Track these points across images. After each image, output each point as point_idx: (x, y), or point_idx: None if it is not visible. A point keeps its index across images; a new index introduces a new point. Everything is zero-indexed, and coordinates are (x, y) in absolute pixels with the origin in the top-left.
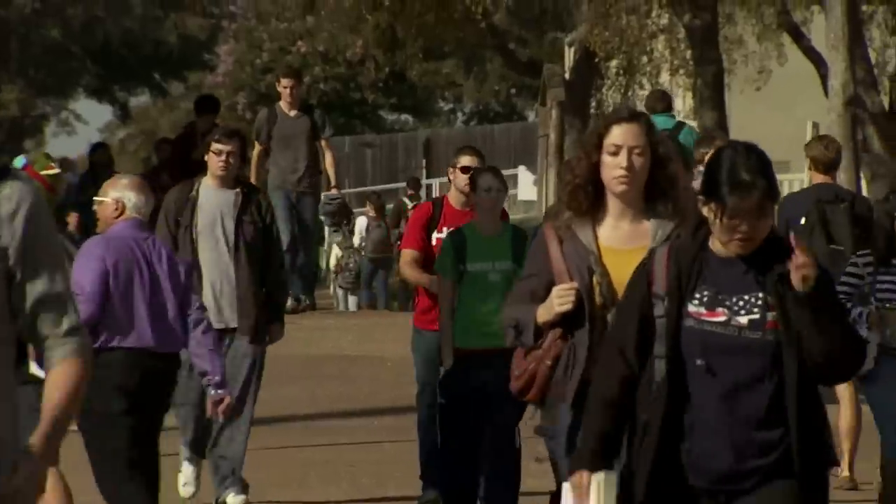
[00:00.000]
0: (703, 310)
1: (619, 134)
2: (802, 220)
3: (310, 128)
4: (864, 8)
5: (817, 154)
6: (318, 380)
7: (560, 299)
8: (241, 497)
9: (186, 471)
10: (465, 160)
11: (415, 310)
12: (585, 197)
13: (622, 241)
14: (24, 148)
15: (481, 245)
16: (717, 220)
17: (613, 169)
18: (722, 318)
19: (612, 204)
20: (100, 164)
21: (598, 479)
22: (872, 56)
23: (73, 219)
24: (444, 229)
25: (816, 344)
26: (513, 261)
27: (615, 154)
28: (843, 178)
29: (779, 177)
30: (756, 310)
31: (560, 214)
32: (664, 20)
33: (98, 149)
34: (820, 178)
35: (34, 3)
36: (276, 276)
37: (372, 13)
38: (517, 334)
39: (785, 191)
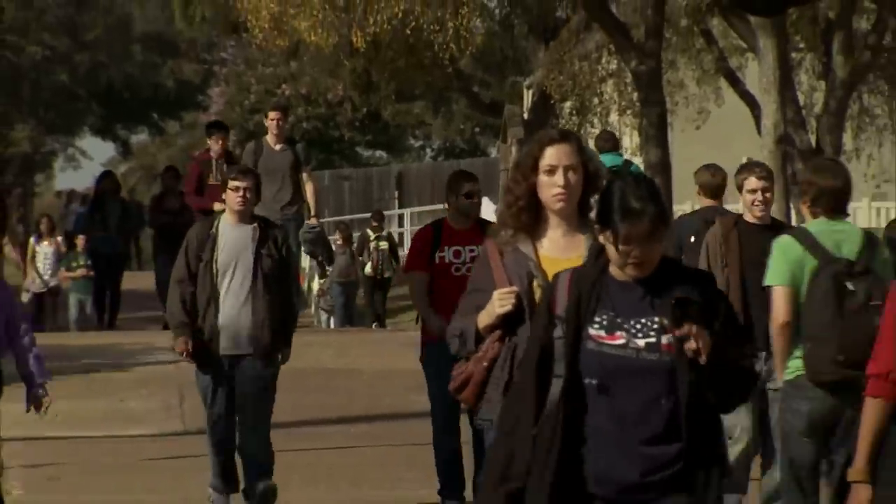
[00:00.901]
0: (602, 333)
1: (552, 154)
2: (692, 238)
3: (293, 160)
4: (793, 55)
5: (704, 180)
6: (302, 390)
7: (501, 301)
8: (268, 482)
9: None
10: (468, 187)
11: (422, 325)
12: (527, 216)
13: (559, 252)
14: (35, 181)
15: None
16: (612, 248)
17: (550, 188)
18: (620, 341)
19: (551, 219)
20: (108, 192)
21: None
22: (801, 98)
23: (80, 241)
24: (446, 248)
25: (713, 392)
26: None
27: (551, 173)
28: (774, 208)
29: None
30: (653, 333)
31: (502, 232)
32: (613, 66)
33: (105, 177)
34: (707, 202)
35: (44, 51)
36: (289, 305)
37: (349, 59)
38: (461, 343)
39: None
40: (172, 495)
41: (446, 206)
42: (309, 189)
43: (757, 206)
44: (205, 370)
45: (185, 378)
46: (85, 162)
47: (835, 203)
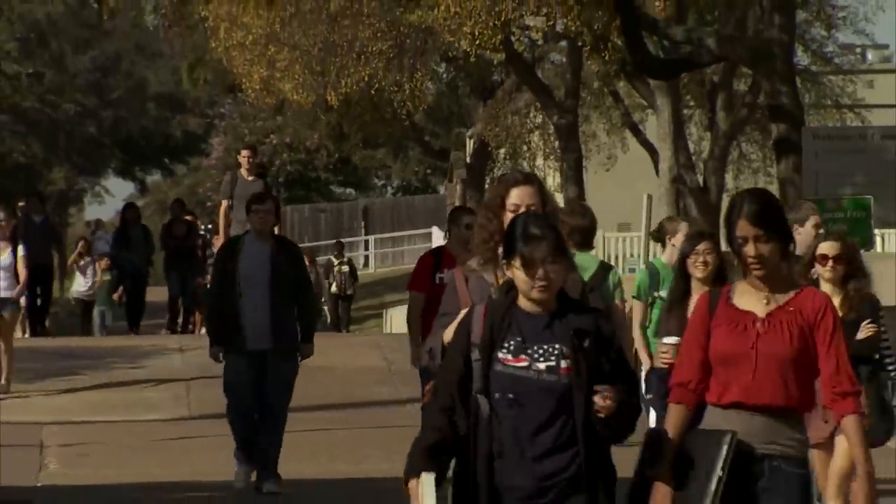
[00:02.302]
0: (509, 356)
1: (517, 195)
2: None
3: (262, 189)
4: (684, 111)
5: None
6: None
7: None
8: (275, 486)
9: (238, 471)
10: (468, 219)
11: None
12: (494, 248)
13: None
14: (69, 213)
15: None
16: (519, 273)
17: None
18: (524, 364)
19: None
20: (130, 220)
21: (422, 479)
22: (691, 146)
23: (104, 263)
24: (446, 270)
25: (602, 429)
26: None
27: (515, 211)
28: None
29: (621, 234)
30: (553, 358)
31: (470, 262)
32: (538, 120)
33: (129, 208)
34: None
35: (76, 108)
36: (307, 308)
37: (324, 114)
38: (430, 357)
39: (624, 245)
40: (182, 469)
41: (447, 235)
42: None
43: None
44: (232, 363)
45: (191, 373)
46: (108, 198)
47: (581, 238)
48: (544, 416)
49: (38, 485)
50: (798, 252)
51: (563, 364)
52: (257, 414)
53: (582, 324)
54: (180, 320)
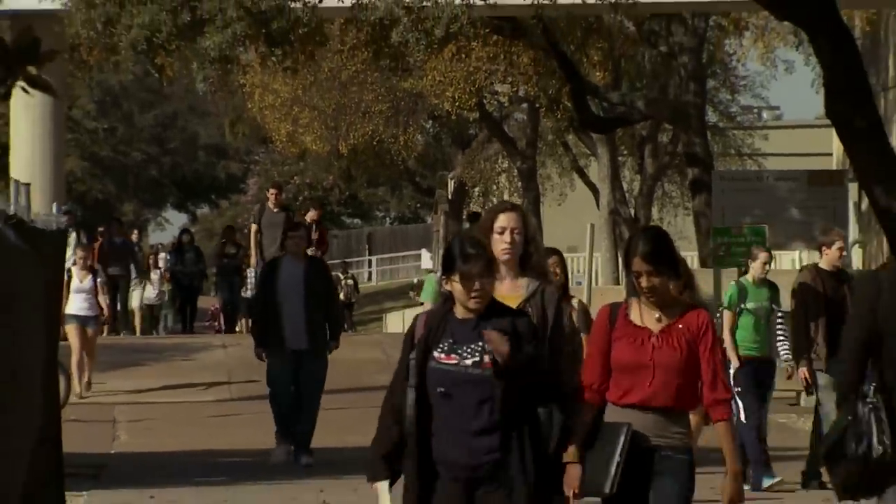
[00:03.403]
0: (442, 355)
1: (503, 219)
2: None
3: (285, 219)
4: (619, 158)
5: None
6: None
7: None
8: (309, 459)
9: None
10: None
11: None
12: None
13: (505, 291)
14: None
15: None
16: (457, 286)
17: (500, 244)
18: (454, 361)
19: (501, 268)
20: (186, 243)
21: (378, 486)
22: (625, 185)
23: (166, 276)
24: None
25: (521, 393)
26: None
27: (501, 234)
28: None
29: (570, 254)
30: (477, 354)
31: None
32: (505, 165)
33: (184, 232)
34: None
35: (142, 155)
36: (334, 314)
37: (337, 160)
38: None
39: (573, 264)
40: (225, 439)
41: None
42: (287, 245)
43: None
44: (274, 360)
45: (232, 364)
46: (168, 226)
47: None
48: (472, 404)
49: (112, 452)
50: (825, 267)
51: (486, 359)
52: (294, 402)
53: (500, 325)
54: (221, 321)
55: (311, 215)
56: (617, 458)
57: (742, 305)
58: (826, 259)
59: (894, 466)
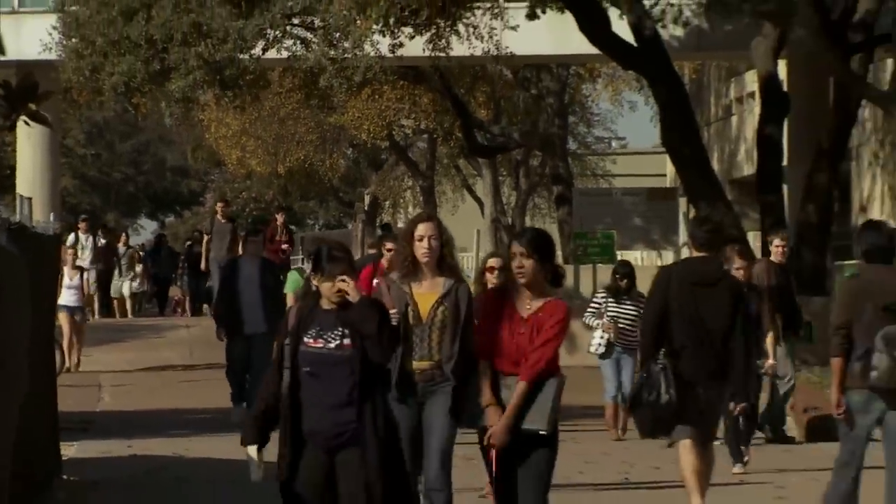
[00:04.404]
0: (311, 340)
1: (422, 228)
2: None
3: (232, 229)
4: (500, 177)
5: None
6: None
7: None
8: None
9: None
10: (390, 243)
11: None
12: (411, 267)
13: (424, 289)
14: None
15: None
16: (325, 284)
17: (421, 249)
18: (320, 345)
19: (423, 269)
20: (161, 243)
21: (248, 449)
22: (504, 199)
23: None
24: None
25: (373, 354)
26: None
27: (421, 240)
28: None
29: (462, 254)
30: (338, 338)
31: (392, 275)
32: (410, 183)
33: (161, 237)
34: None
35: (121, 175)
36: (280, 306)
37: (276, 179)
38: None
39: (465, 262)
40: (187, 401)
41: (364, 253)
42: (239, 246)
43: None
44: (233, 343)
45: (193, 341)
46: (142, 231)
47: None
48: (335, 381)
49: (97, 410)
50: (774, 261)
51: (346, 342)
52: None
53: (353, 312)
54: (188, 307)
55: (280, 218)
56: (551, 402)
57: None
58: (777, 255)
59: (677, 411)
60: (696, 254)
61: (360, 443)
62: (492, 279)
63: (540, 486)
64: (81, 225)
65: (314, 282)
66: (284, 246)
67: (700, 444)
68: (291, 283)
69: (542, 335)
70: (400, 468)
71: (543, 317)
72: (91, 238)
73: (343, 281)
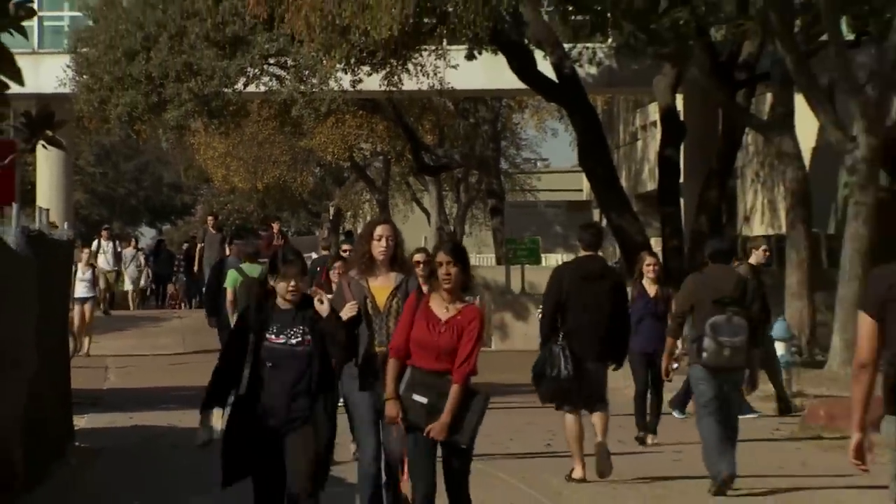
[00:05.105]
0: (273, 337)
1: (380, 230)
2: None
3: (221, 239)
4: (444, 192)
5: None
6: None
7: (348, 311)
8: None
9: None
10: (346, 246)
11: None
12: (368, 263)
13: (380, 283)
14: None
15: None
16: (281, 284)
17: (378, 248)
18: (282, 341)
19: (378, 266)
20: (161, 247)
21: (201, 416)
22: (447, 210)
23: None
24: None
25: (333, 351)
26: None
27: (379, 240)
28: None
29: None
30: (299, 335)
31: (349, 271)
32: (367, 197)
33: (161, 242)
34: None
35: (125, 190)
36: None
37: (255, 194)
38: None
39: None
40: (183, 380)
41: (330, 252)
42: (231, 251)
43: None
44: (224, 330)
45: (185, 330)
46: (142, 237)
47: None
48: (295, 372)
49: (104, 388)
50: (753, 263)
51: (305, 339)
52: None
53: (313, 313)
54: (184, 301)
55: (275, 226)
56: (476, 420)
57: None
58: (755, 258)
59: (573, 385)
60: (583, 253)
61: (312, 423)
62: (379, 248)
63: (463, 480)
64: (104, 233)
65: (271, 282)
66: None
67: (582, 413)
68: (231, 280)
69: (466, 340)
70: (330, 447)
71: (462, 320)
72: (111, 244)
73: (321, 302)
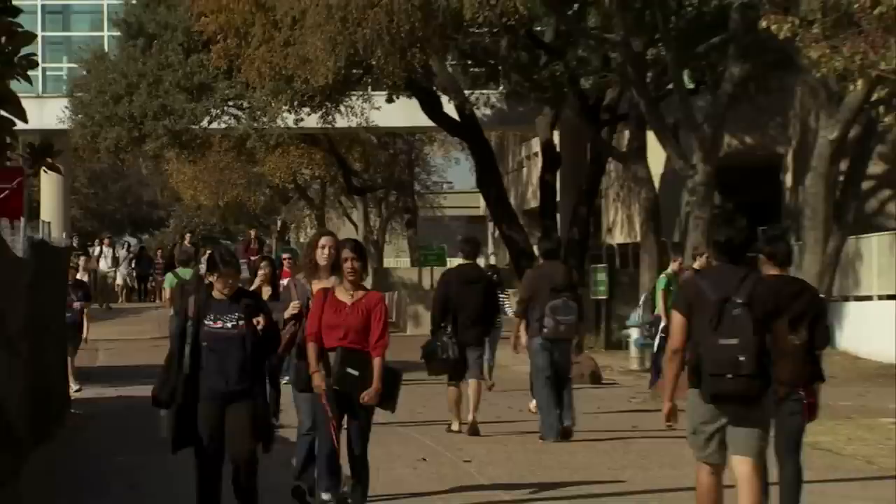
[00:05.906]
0: (211, 322)
1: (324, 240)
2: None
3: (194, 252)
4: (369, 208)
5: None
6: None
7: (292, 309)
8: None
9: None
10: (286, 255)
11: None
12: (312, 268)
13: (322, 286)
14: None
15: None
16: (218, 280)
17: (321, 256)
18: (220, 326)
19: (321, 271)
20: (142, 253)
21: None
22: (371, 222)
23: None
24: (283, 280)
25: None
26: None
27: (322, 249)
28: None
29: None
30: (234, 321)
31: (298, 275)
32: (308, 213)
33: (143, 248)
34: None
35: (112, 208)
36: None
37: (218, 210)
38: (283, 326)
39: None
40: (159, 359)
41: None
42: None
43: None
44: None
45: (162, 318)
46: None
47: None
48: (231, 355)
49: (95, 366)
50: (696, 268)
51: (240, 324)
52: None
53: (246, 302)
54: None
55: (253, 233)
56: (342, 372)
57: (672, 288)
58: (699, 264)
59: (459, 365)
60: (464, 261)
61: (251, 396)
62: (322, 255)
63: (368, 435)
64: (106, 240)
65: (208, 278)
66: (255, 257)
67: (462, 382)
68: (168, 281)
69: (376, 319)
70: (267, 416)
71: (368, 302)
72: (111, 249)
73: (258, 324)
